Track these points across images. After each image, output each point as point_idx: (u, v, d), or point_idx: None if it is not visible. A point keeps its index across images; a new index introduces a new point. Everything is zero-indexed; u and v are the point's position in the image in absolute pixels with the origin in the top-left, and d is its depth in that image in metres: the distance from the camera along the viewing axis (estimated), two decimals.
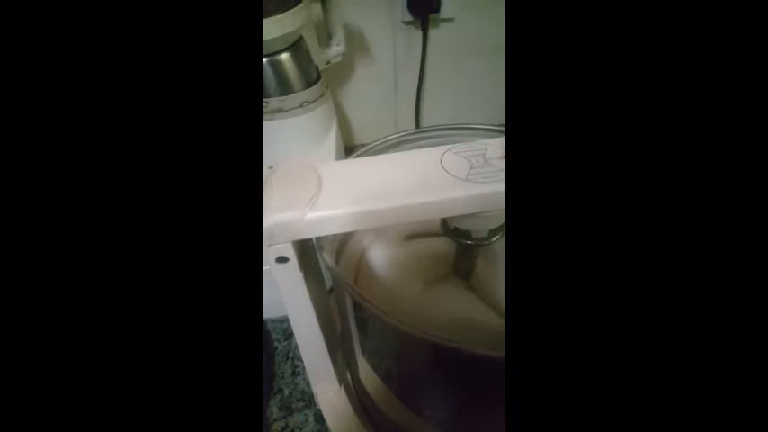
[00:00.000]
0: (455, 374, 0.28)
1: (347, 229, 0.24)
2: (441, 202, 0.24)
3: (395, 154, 0.28)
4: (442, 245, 0.36)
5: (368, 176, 0.26)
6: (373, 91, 0.70)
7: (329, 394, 0.38)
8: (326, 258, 0.26)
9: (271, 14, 0.47)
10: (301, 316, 0.30)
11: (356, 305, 0.30)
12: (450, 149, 0.26)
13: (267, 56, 0.50)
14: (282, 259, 0.26)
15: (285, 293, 0.28)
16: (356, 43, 0.64)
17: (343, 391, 0.38)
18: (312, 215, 0.24)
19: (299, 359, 0.47)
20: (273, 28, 0.48)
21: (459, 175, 0.24)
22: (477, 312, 0.31)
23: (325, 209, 0.24)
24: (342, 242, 0.37)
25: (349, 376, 0.38)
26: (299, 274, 0.27)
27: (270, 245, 0.26)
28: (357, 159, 0.30)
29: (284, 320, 0.51)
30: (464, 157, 0.25)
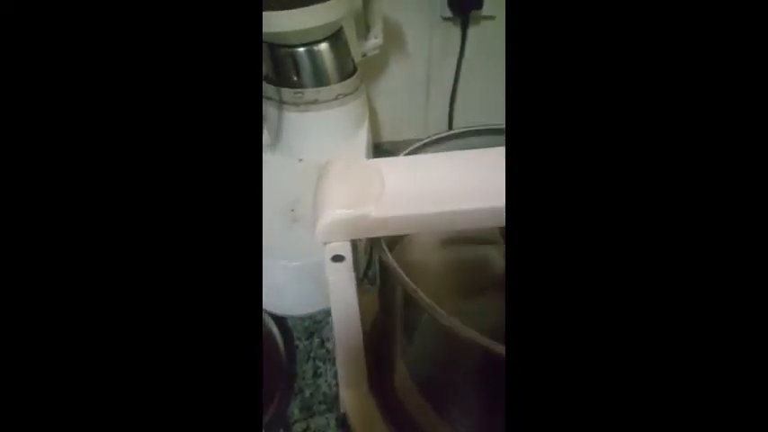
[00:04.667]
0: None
1: (414, 231, 0.23)
2: None
3: (460, 152, 0.26)
4: (485, 253, 0.34)
5: (434, 176, 0.25)
6: (404, 87, 0.68)
7: (358, 399, 0.36)
8: (389, 258, 0.24)
9: (313, 3, 0.45)
10: (347, 317, 0.28)
11: (407, 306, 0.28)
12: None
13: (305, 45, 0.49)
14: (338, 258, 0.25)
15: (335, 293, 0.27)
16: (392, 37, 0.62)
17: (371, 397, 0.36)
18: (378, 214, 0.23)
19: (321, 360, 0.46)
20: (313, 17, 0.46)
21: None
22: None
23: (392, 208, 0.23)
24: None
25: (380, 382, 0.37)
26: (353, 274, 0.26)
27: (326, 242, 0.24)
28: (419, 156, 0.28)
29: (305, 318, 0.49)
30: None
